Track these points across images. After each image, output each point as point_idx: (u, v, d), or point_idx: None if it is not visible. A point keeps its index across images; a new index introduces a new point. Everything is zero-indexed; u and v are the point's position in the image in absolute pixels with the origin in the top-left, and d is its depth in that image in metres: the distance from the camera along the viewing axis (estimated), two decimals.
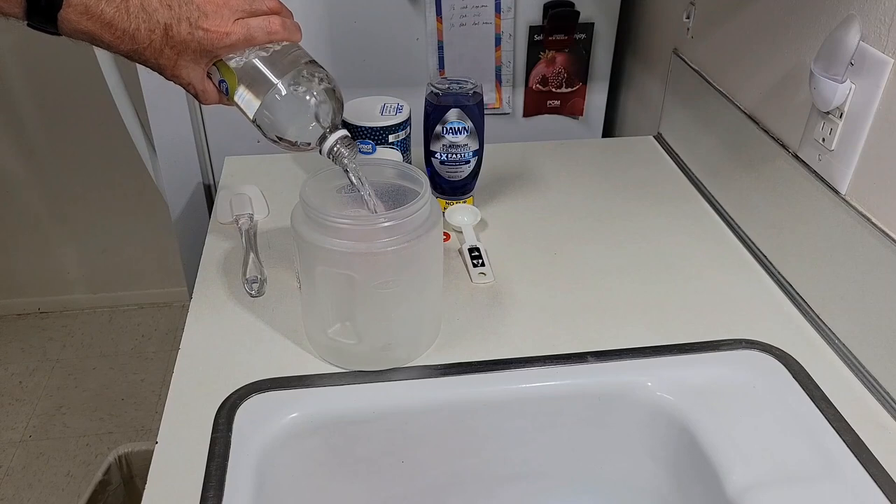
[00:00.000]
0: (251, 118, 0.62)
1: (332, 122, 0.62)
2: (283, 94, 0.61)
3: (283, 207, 0.90)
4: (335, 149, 0.62)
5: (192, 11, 0.57)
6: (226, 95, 0.63)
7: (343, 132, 0.63)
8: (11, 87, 1.71)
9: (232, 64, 0.61)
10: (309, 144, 0.63)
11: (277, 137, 0.62)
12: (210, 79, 0.62)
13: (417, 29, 1.09)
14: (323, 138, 0.62)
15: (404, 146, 0.87)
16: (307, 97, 0.61)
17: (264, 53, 0.61)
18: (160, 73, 0.60)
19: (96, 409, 1.77)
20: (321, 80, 0.62)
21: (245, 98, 0.61)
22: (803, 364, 0.67)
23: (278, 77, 0.61)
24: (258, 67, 0.61)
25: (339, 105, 0.63)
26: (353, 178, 0.63)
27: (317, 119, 0.62)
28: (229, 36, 0.58)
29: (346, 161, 0.62)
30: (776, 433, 0.61)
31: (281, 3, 0.62)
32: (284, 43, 0.62)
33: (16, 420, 1.74)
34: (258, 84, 0.61)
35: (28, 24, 0.54)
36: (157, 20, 0.56)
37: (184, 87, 0.62)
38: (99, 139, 1.79)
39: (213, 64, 0.61)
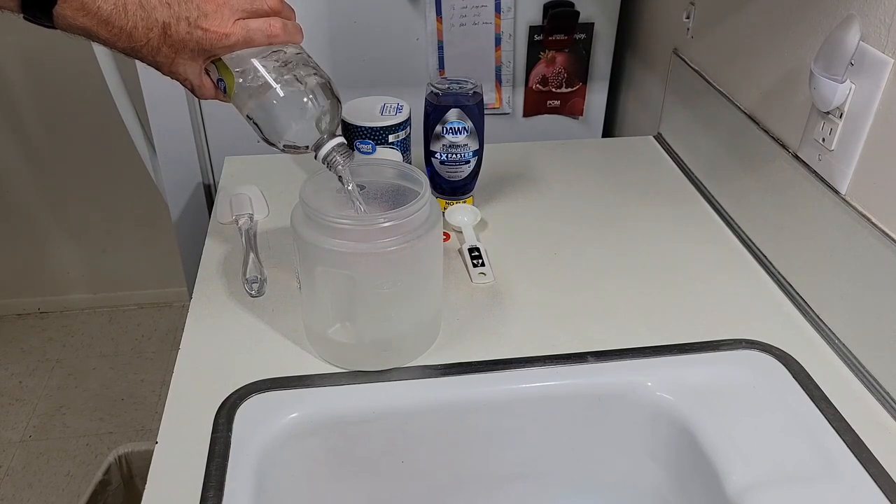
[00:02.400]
0: (248, 119, 0.62)
1: (329, 127, 0.62)
2: (281, 97, 0.60)
3: (283, 207, 0.90)
4: (331, 156, 0.62)
5: (192, 10, 0.56)
6: (223, 93, 0.62)
7: (339, 140, 0.62)
8: (11, 87, 1.71)
9: (230, 64, 0.60)
10: (307, 148, 0.62)
11: (274, 140, 0.62)
12: (208, 75, 0.62)
13: (417, 29, 1.09)
14: (319, 144, 0.62)
15: (404, 146, 0.87)
16: (305, 101, 0.61)
17: (263, 54, 0.60)
18: (157, 69, 0.60)
19: (96, 409, 1.77)
20: (320, 84, 0.62)
21: (242, 99, 0.61)
22: (803, 364, 0.67)
23: (276, 80, 0.60)
24: (256, 69, 0.60)
25: (338, 110, 0.63)
26: (345, 186, 0.63)
27: (314, 124, 0.61)
28: (228, 37, 0.58)
29: (340, 169, 0.62)
30: (776, 433, 0.61)
31: (283, 1, 0.61)
32: (285, 44, 0.62)
33: (16, 420, 1.74)
34: (256, 86, 0.60)
35: (24, 17, 0.54)
36: (155, 18, 0.55)
37: (180, 83, 0.61)
38: (99, 139, 1.79)
39: (212, 62, 0.61)
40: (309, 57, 0.63)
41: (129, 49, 0.57)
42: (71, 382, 1.85)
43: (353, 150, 0.84)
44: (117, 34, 0.55)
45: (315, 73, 0.62)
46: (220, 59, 0.60)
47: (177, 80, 0.61)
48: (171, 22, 0.56)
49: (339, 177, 0.63)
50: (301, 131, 0.61)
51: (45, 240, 1.96)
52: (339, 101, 0.63)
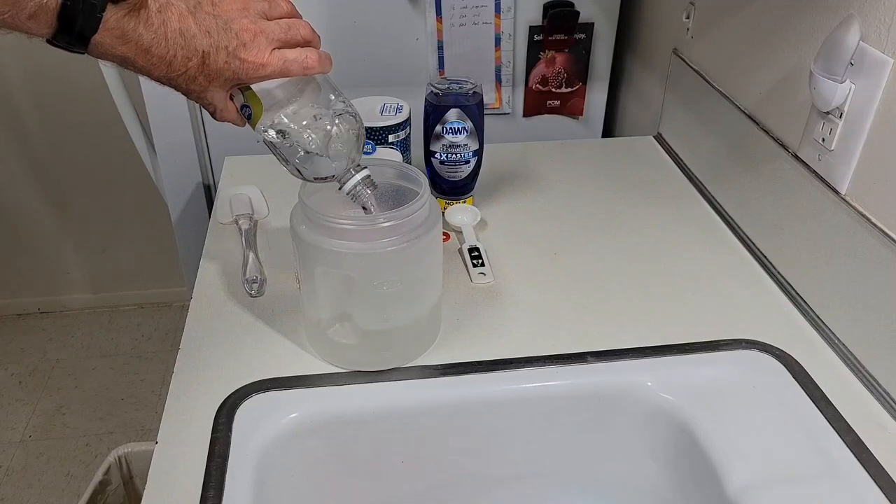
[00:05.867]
0: (271, 147, 0.61)
1: (354, 160, 0.61)
2: (308, 130, 0.59)
3: (283, 207, 0.90)
4: (356, 189, 0.61)
5: (231, 39, 0.55)
6: (247, 120, 0.61)
7: (365, 172, 0.61)
8: (11, 87, 1.71)
9: (260, 93, 0.59)
10: (333, 177, 0.61)
11: (297, 168, 0.61)
12: (232, 100, 0.60)
13: (417, 29, 1.09)
14: (345, 177, 0.61)
15: (404, 146, 0.87)
16: (331, 132, 0.59)
17: (292, 85, 0.59)
18: (186, 96, 0.58)
19: (96, 409, 1.77)
20: (347, 115, 0.60)
21: (268, 128, 0.60)
22: (803, 364, 0.67)
23: (305, 113, 0.59)
24: (286, 100, 0.59)
25: (363, 140, 0.62)
26: (369, 212, 0.62)
27: (339, 157, 0.60)
28: (265, 67, 0.56)
29: (366, 201, 0.61)
30: (776, 433, 0.61)
31: (313, 29, 0.60)
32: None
33: (16, 420, 1.74)
34: (284, 119, 0.59)
35: (48, 42, 0.50)
36: (195, 47, 0.54)
37: (203, 106, 0.60)
38: (99, 139, 1.79)
39: (238, 88, 0.59)
40: (336, 87, 0.62)
41: (165, 78, 0.55)
42: (71, 382, 1.84)
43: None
44: (156, 63, 0.53)
45: (342, 104, 0.61)
46: (248, 87, 0.59)
47: (201, 104, 0.59)
48: (211, 51, 0.54)
49: (364, 208, 0.62)
50: (326, 164, 0.60)
51: (45, 240, 1.96)
52: (363, 133, 0.62)
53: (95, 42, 0.50)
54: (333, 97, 0.61)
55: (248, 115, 0.61)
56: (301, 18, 0.60)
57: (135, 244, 2.00)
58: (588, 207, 0.91)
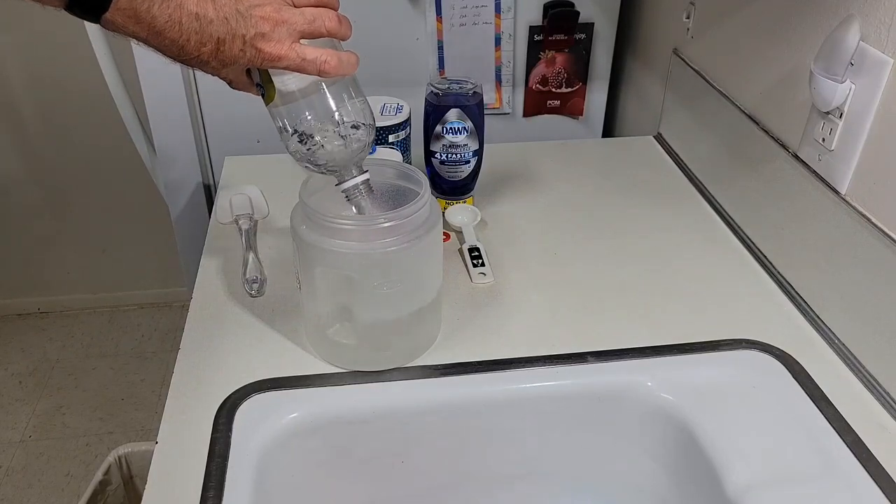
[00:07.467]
0: (280, 136, 0.61)
1: (356, 162, 0.61)
2: (316, 127, 0.59)
3: (283, 207, 0.90)
4: (353, 191, 0.61)
5: (249, 28, 0.54)
6: (261, 96, 0.60)
7: (365, 176, 0.61)
8: (11, 86, 1.71)
9: (276, 80, 0.58)
10: (332, 172, 0.61)
11: (302, 159, 0.61)
12: (248, 75, 0.60)
13: (417, 29, 1.09)
14: (345, 175, 0.61)
15: (404, 146, 0.87)
16: (340, 136, 0.59)
17: (310, 80, 0.58)
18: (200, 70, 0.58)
19: (96, 409, 1.77)
20: (359, 115, 0.60)
21: (279, 114, 0.60)
22: (803, 364, 0.67)
23: (318, 109, 0.58)
24: (300, 92, 0.58)
25: (369, 148, 0.61)
26: (360, 212, 0.62)
27: (344, 155, 0.60)
28: (281, 60, 0.55)
29: (361, 203, 0.61)
30: (776, 433, 0.61)
31: (340, 20, 0.58)
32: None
33: (16, 420, 1.74)
34: (295, 108, 0.59)
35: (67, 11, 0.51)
36: (210, 33, 0.53)
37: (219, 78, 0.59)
38: (99, 139, 1.79)
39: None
40: (357, 85, 0.61)
41: (177, 59, 0.55)
42: (71, 382, 1.85)
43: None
44: (168, 46, 0.53)
45: (357, 105, 0.60)
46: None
47: (216, 76, 0.59)
48: (227, 38, 0.53)
49: (355, 208, 0.62)
50: (329, 161, 0.60)
51: (45, 240, 1.96)
52: (371, 137, 0.61)
53: (107, 20, 0.50)
54: (349, 97, 0.60)
55: (261, 93, 0.60)
56: (335, 6, 0.59)
57: (135, 244, 2.00)
58: (588, 207, 0.91)
